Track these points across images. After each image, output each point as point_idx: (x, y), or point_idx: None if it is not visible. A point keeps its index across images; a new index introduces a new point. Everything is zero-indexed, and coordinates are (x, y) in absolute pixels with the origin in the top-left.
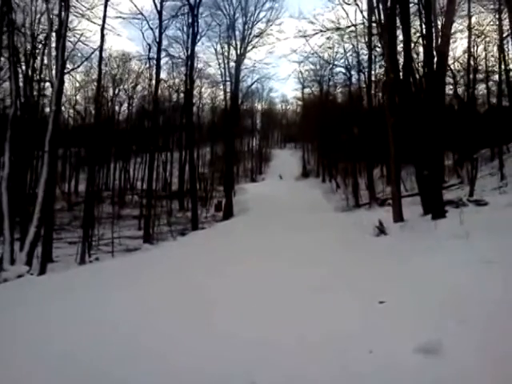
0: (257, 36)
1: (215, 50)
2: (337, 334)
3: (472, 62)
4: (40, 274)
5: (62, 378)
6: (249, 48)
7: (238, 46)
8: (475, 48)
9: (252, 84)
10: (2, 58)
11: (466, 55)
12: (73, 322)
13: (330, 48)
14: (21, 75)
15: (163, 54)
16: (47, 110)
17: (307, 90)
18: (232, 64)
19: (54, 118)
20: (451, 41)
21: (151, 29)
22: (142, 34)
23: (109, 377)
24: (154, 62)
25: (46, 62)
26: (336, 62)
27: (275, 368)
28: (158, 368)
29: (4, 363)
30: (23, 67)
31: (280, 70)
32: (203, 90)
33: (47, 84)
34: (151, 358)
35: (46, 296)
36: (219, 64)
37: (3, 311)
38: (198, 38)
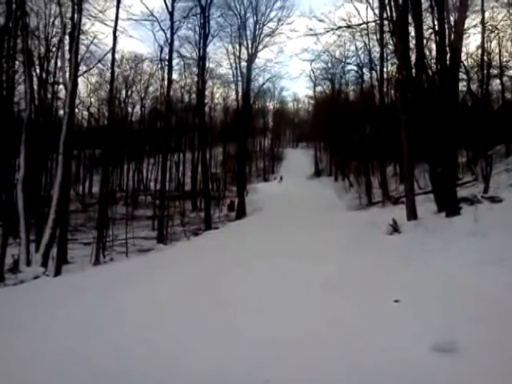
0: (268, 35)
1: (226, 49)
2: (351, 333)
3: (486, 58)
4: (55, 275)
5: (71, 382)
6: (260, 47)
7: (249, 46)
8: (489, 43)
9: (263, 83)
10: (17, 62)
11: (480, 51)
12: (85, 324)
13: (341, 46)
14: (35, 78)
15: (175, 54)
16: (61, 112)
17: (319, 89)
18: (243, 64)
19: (67, 120)
20: (464, 36)
21: (163, 30)
22: (154, 35)
23: (120, 381)
24: (166, 63)
25: (59, 64)
26: (348, 60)
27: (288, 367)
28: (171, 369)
29: (11, 364)
30: (37, 70)
31: (291, 69)
32: (215, 90)
33: (61, 86)
34: (163, 360)
35: (60, 297)
36: (231, 64)
37: (15, 312)
38: (210, 38)
